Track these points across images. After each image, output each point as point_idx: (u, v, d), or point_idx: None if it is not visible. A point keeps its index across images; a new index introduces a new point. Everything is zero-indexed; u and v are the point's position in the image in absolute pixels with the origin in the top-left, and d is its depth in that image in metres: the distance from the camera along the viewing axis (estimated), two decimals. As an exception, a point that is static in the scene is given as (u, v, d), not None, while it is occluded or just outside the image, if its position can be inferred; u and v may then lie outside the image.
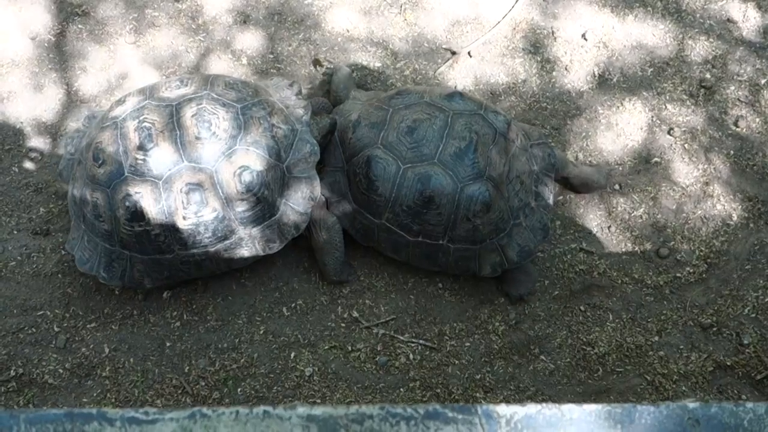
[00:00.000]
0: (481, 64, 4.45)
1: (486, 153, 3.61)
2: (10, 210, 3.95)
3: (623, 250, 4.13)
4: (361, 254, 4.01)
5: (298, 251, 3.98)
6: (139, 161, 3.34)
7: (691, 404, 1.51)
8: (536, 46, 4.51)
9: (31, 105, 4.17)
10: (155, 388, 3.69)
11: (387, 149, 3.62)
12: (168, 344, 3.77)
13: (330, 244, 3.79)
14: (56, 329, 3.75)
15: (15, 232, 3.91)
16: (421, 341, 3.87)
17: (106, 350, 3.73)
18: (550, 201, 3.91)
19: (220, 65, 4.32)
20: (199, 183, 3.36)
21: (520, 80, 4.43)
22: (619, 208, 4.20)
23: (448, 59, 4.44)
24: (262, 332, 3.83)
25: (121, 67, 4.28)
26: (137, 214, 3.36)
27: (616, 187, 4.23)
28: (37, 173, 3.99)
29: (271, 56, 4.37)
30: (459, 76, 4.42)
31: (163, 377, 3.70)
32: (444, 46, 4.47)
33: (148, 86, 3.62)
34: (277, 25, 4.43)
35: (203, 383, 3.71)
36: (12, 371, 3.65)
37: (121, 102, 3.55)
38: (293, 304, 3.90)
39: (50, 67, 4.26)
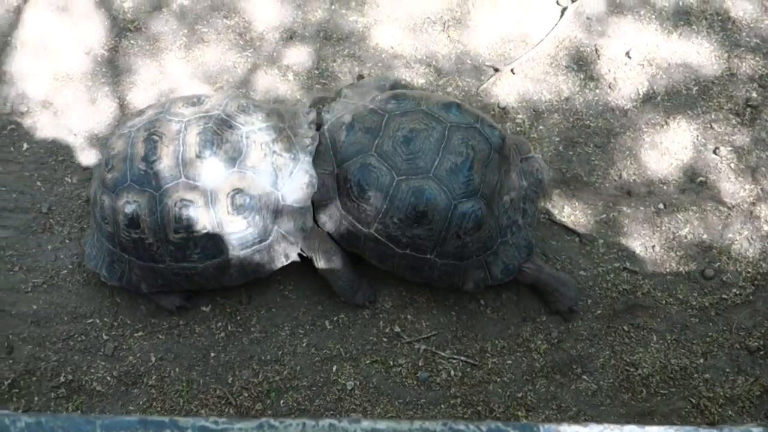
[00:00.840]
0: (524, 81, 4.46)
1: (481, 170, 3.54)
2: (62, 219, 4.04)
3: (668, 270, 4.09)
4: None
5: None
6: (141, 171, 3.45)
7: (755, 429, 1.49)
8: (580, 63, 4.50)
9: (85, 117, 4.27)
10: (200, 398, 3.73)
11: (381, 158, 3.53)
12: (212, 355, 3.81)
13: (331, 271, 3.77)
14: (105, 337, 3.82)
15: (67, 241, 4.00)
16: (462, 358, 3.87)
17: (153, 359, 3.78)
18: (536, 217, 3.87)
19: (266, 80, 4.38)
20: (193, 200, 3.43)
21: (563, 98, 4.43)
22: (664, 228, 4.16)
23: (492, 76, 4.45)
24: (304, 345, 3.86)
25: (170, 81, 4.37)
26: (134, 222, 3.48)
27: (661, 206, 4.20)
28: (89, 184, 4.08)
29: (317, 72, 4.42)
30: (502, 93, 4.42)
31: (208, 387, 3.75)
32: (487, 63, 4.49)
33: (168, 100, 3.73)
34: (323, 41, 4.49)
35: (246, 394, 3.74)
36: (62, 377, 3.72)
37: (140, 113, 3.69)
38: (336, 318, 3.92)
39: (103, 81, 4.36)
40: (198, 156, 3.43)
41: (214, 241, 3.52)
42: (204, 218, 3.46)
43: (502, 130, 3.76)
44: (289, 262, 3.69)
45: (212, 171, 3.44)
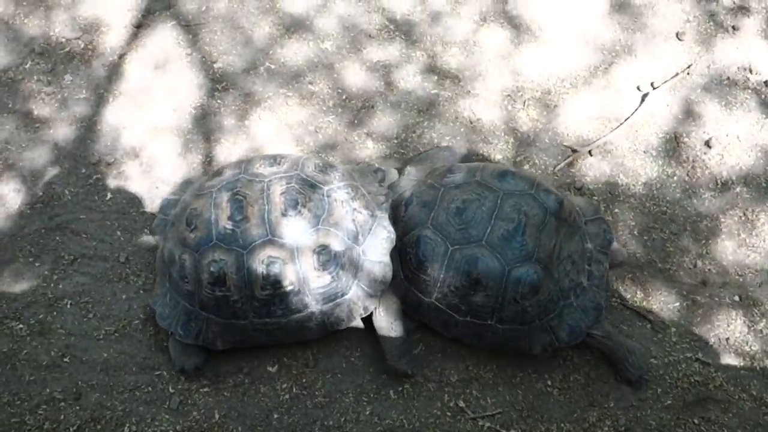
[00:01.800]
0: (600, 164, 4.46)
1: (535, 234, 3.58)
2: (138, 270, 4.12)
3: (741, 364, 3.99)
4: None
5: (409, 335, 3.98)
6: (228, 230, 3.52)
7: None
8: (658, 149, 4.50)
9: (169, 172, 4.38)
10: (260, 459, 3.70)
11: (436, 230, 3.65)
12: (276, 416, 3.80)
13: (388, 325, 3.81)
14: (171, 390, 3.84)
15: (141, 291, 4.07)
16: (527, 439, 3.78)
17: (217, 416, 3.78)
18: (604, 279, 3.83)
19: (346, 146, 4.47)
20: (280, 257, 3.50)
21: (640, 182, 4.42)
22: (738, 321, 4.07)
23: (569, 156, 4.47)
24: (368, 413, 3.82)
25: (254, 141, 4.48)
26: (220, 280, 3.53)
27: (736, 298, 4.12)
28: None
29: (396, 141, 4.50)
30: (578, 173, 4.43)
31: (269, 449, 3.72)
32: (565, 144, 4.51)
33: (243, 161, 3.83)
34: (404, 112, 4.58)
35: (307, 459, 3.70)
36: (126, 427, 3.74)
37: (218, 173, 3.78)
38: (400, 388, 3.89)
39: (189, 137, 4.50)
40: (284, 214, 3.51)
41: (300, 297, 3.59)
42: (291, 274, 3.53)
43: (560, 194, 3.78)
44: (367, 314, 3.76)
45: (298, 228, 3.53)
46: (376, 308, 3.82)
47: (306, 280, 3.57)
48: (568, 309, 3.72)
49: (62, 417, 3.73)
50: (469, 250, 3.58)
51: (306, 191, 3.58)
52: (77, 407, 3.76)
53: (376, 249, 3.72)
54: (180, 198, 3.96)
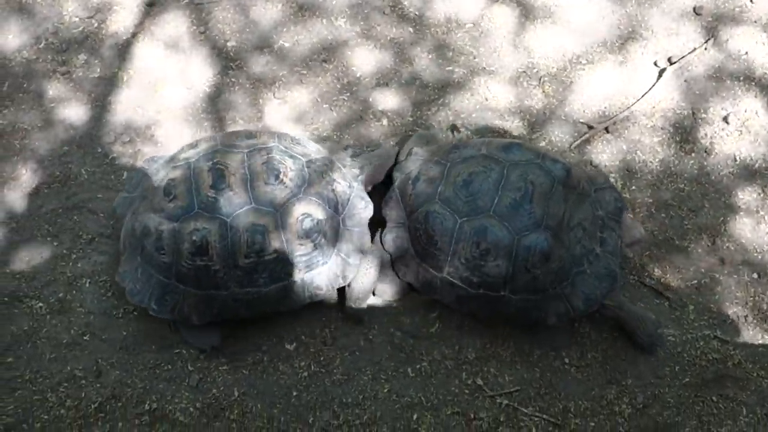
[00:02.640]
0: (618, 141, 4.43)
1: (543, 202, 3.58)
2: (156, 249, 4.10)
3: (760, 341, 3.97)
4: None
5: (425, 314, 3.98)
6: (210, 198, 3.53)
7: None
8: (676, 126, 4.46)
9: (184, 150, 4.35)
10: (280, 437, 3.72)
11: (444, 204, 3.66)
12: (294, 393, 3.80)
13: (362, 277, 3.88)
14: (190, 368, 3.85)
15: (159, 270, 4.05)
16: (544, 416, 3.79)
17: (236, 393, 3.79)
18: (618, 246, 3.81)
19: (361, 124, 4.45)
20: (264, 225, 3.53)
21: (657, 159, 4.38)
22: (758, 298, 4.05)
23: (585, 133, 4.43)
24: (386, 391, 3.82)
25: (267, 120, 4.47)
26: (202, 249, 3.52)
27: (755, 275, 4.10)
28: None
29: (411, 119, 4.47)
30: (595, 150, 4.40)
31: (288, 426, 3.73)
32: (581, 121, 4.47)
33: (217, 135, 3.87)
34: (419, 89, 4.54)
35: (326, 436, 3.72)
36: (147, 405, 3.75)
37: (192, 146, 3.78)
38: (418, 366, 3.89)
39: (203, 116, 4.48)
40: (266, 183, 3.57)
41: (283, 264, 3.62)
42: (275, 242, 3.57)
43: (567, 162, 3.76)
44: (346, 283, 3.82)
45: (281, 197, 3.57)
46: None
47: (290, 247, 3.60)
48: (581, 276, 3.71)
49: (83, 394, 3.75)
50: (477, 221, 3.59)
51: (286, 162, 3.64)
52: (98, 384, 3.78)
53: (355, 218, 3.82)
54: (145, 173, 3.92)
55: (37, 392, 3.75)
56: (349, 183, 3.85)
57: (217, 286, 3.63)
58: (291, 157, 3.66)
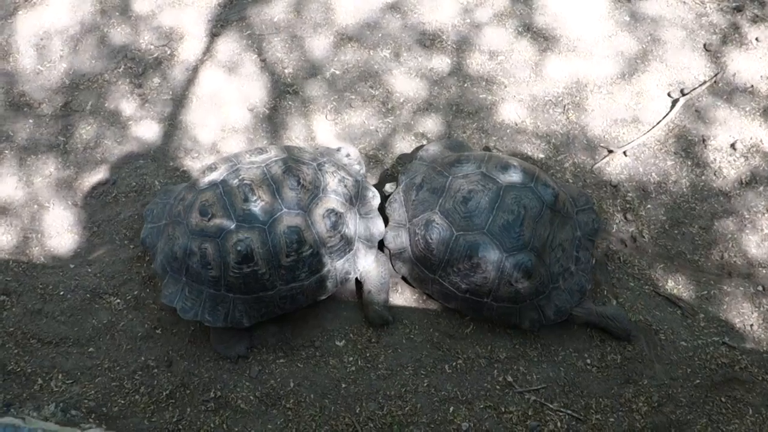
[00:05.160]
0: (635, 163, 4.45)
1: (532, 225, 3.67)
2: (220, 253, 4.16)
3: (765, 348, 3.96)
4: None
5: (460, 317, 4.01)
6: (246, 212, 3.60)
7: None
8: (687, 150, 4.47)
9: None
10: (330, 424, 3.76)
11: (444, 216, 3.75)
12: (343, 386, 3.85)
13: (378, 275, 3.94)
14: (250, 361, 3.89)
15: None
16: (568, 411, 3.81)
17: (291, 384, 3.84)
18: (590, 264, 3.92)
19: (403, 144, 4.50)
20: (297, 225, 3.63)
21: (671, 180, 4.40)
22: (762, 309, 4.05)
23: (605, 156, 4.46)
24: (425, 385, 3.86)
25: (320, 139, 4.51)
26: (248, 257, 3.59)
27: (760, 288, 4.10)
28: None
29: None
30: (614, 172, 4.42)
31: (338, 415, 3.77)
32: (602, 144, 4.50)
33: (230, 155, 3.89)
34: (455, 114, 4.59)
35: (372, 425, 3.75)
36: (212, 392, 3.80)
37: (212, 168, 3.80)
38: (454, 363, 3.92)
39: (262, 134, 4.55)
40: (291, 189, 3.67)
41: (318, 257, 3.72)
42: (309, 238, 3.67)
43: (556, 187, 3.84)
44: (369, 265, 3.90)
45: (305, 199, 3.69)
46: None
47: (322, 241, 3.71)
48: (556, 291, 3.82)
49: (156, 382, 3.81)
50: (471, 237, 3.68)
51: (302, 168, 3.74)
52: (169, 374, 3.84)
53: (367, 206, 3.95)
54: (165, 203, 3.94)
55: (114, 379, 3.81)
56: (354, 178, 3.94)
57: (265, 288, 3.69)
58: (303, 163, 3.77)
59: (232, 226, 3.58)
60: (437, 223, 3.76)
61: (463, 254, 3.70)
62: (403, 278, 4.02)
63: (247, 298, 3.71)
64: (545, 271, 3.74)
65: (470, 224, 3.70)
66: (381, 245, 4.04)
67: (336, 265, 3.80)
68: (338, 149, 4.16)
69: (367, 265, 3.92)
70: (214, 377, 3.85)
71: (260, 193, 3.62)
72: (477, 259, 3.68)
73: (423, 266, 3.87)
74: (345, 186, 3.85)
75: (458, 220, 3.72)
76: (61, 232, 4.25)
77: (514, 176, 3.78)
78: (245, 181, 3.62)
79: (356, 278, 3.97)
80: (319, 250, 3.72)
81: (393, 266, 3.99)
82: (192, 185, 3.81)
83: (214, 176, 3.73)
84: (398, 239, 3.95)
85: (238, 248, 3.56)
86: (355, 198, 3.90)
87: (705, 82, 4.66)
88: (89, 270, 4.11)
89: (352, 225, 3.85)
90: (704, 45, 4.79)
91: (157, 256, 3.85)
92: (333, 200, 3.76)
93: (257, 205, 3.61)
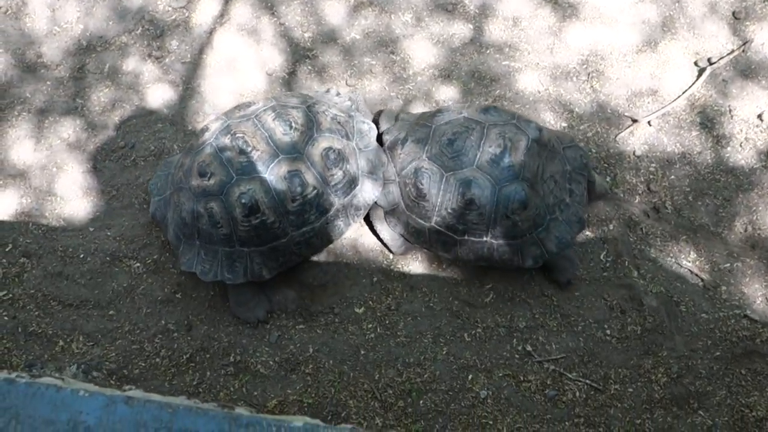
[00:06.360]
0: (658, 134, 4.35)
1: (520, 157, 3.63)
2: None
3: (786, 321, 3.90)
4: (536, 294, 3.95)
5: (480, 286, 3.96)
6: (244, 164, 3.53)
7: None
8: (713, 121, 4.37)
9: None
10: (349, 390, 3.74)
11: (431, 160, 3.71)
12: (362, 352, 3.82)
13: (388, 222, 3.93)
14: (270, 326, 3.87)
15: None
16: (587, 381, 3.78)
17: (310, 350, 3.81)
18: (584, 196, 3.89)
19: (423, 110, 4.39)
20: (297, 169, 3.57)
21: (695, 152, 4.30)
22: (785, 282, 3.98)
23: (629, 126, 4.36)
24: (444, 353, 3.83)
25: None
26: (254, 208, 3.54)
27: (783, 261, 4.02)
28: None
29: (469, 108, 4.40)
30: (638, 142, 4.32)
31: (357, 381, 3.75)
32: (626, 114, 4.40)
33: (220, 114, 3.83)
34: (476, 81, 4.49)
35: (390, 391, 3.73)
36: (231, 357, 3.78)
37: (205, 130, 3.73)
38: (474, 332, 3.89)
39: (282, 99, 4.44)
40: (285, 134, 3.60)
41: (324, 197, 3.68)
42: (311, 180, 3.62)
43: (537, 123, 3.82)
44: (377, 197, 3.86)
45: (301, 141, 3.62)
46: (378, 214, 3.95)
47: (325, 180, 3.66)
48: (554, 223, 3.79)
49: (176, 346, 3.79)
50: (462, 174, 3.64)
51: (291, 112, 3.67)
52: (189, 338, 3.82)
53: (365, 139, 3.87)
54: (167, 174, 3.92)
55: (135, 342, 3.80)
56: (347, 114, 3.88)
57: (277, 236, 3.65)
58: (292, 107, 3.69)
59: (233, 181, 3.52)
60: (426, 168, 3.72)
61: (455, 193, 3.66)
62: (401, 235, 3.94)
63: (263, 249, 3.66)
64: (540, 201, 3.71)
65: (459, 163, 3.66)
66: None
67: (344, 202, 3.76)
68: (327, 90, 4.12)
69: (374, 198, 3.87)
70: (234, 342, 3.82)
71: (254, 143, 3.55)
72: (470, 195, 3.64)
73: (418, 216, 3.80)
74: (338, 123, 3.78)
75: (446, 162, 3.69)
76: (80, 195, 4.20)
77: (495, 116, 3.77)
78: (237, 135, 3.56)
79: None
80: (324, 190, 3.67)
81: (388, 224, 3.95)
82: (188, 150, 3.76)
83: (207, 136, 3.67)
84: (390, 195, 3.89)
85: (243, 201, 3.51)
86: (351, 133, 3.83)
87: (733, 51, 4.53)
88: (108, 233, 4.07)
89: (353, 160, 3.79)
90: (733, 13, 4.64)
91: (168, 227, 3.82)
92: (329, 138, 3.69)
93: (254, 156, 3.55)
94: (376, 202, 3.94)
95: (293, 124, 3.63)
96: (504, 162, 3.64)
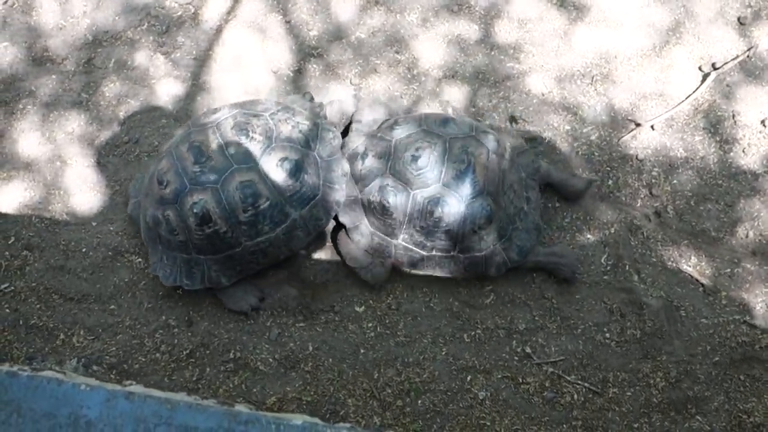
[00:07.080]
0: (662, 138, 4.33)
1: (483, 171, 3.65)
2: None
3: (786, 328, 3.89)
4: (536, 296, 3.95)
5: (480, 287, 3.96)
6: (197, 173, 3.53)
7: None
8: (716, 126, 4.35)
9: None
10: (348, 388, 3.74)
11: (396, 177, 3.68)
12: (362, 351, 3.82)
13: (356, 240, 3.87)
14: (270, 324, 3.87)
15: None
16: (586, 384, 3.78)
17: (310, 348, 3.82)
18: (539, 202, 3.94)
19: (428, 111, 4.37)
20: (250, 179, 3.54)
21: (698, 156, 4.28)
22: (785, 289, 3.97)
23: (632, 130, 4.34)
24: (443, 353, 3.83)
25: (344, 104, 4.39)
26: (205, 218, 3.54)
27: (783, 268, 4.00)
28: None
29: (473, 109, 4.41)
30: (641, 146, 4.31)
31: (356, 380, 3.75)
32: (629, 118, 4.38)
33: (188, 121, 3.86)
34: (481, 82, 4.47)
35: (389, 390, 3.74)
36: (231, 354, 3.79)
37: (170, 137, 3.79)
38: (473, 333, 3.89)
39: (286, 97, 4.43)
40: (240, 144, 3.57)
41: (278, 208, 3.63)
42: (264, 191, 3.58)
43: (495, 133, 3.84)
44: (338, 209, 3.80)
45: (257, 151, 3.59)
46: (349, 229, 3.87)
47: (279, 191, 3.61)
48: (515, 232, 3.82)
49: (176, 341, 3.80)
50: (428, 192, 3.63)
51: (251, 120, 3.64)
52: (189, 333, 3.82)
53: (328, 149, 3.80)
54: (141, 178, 4.00)
55: (135, 337, 3.80)
56: (312, 121, 3.82)
57: (231, 246, 3.65)
58: (254, 116, 3.65)
59: (186, 190, 3.53)
60: (391, 186, 3.69)
61: (423, 211, 3.65)
62: (365, 251, 3.87)
63: (218, 257, 3.67)
64: (503, 213, 3.74)
65: (424, 180, 3.65)
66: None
67: (302, 214, 3.71)
68: (304, 95, 4.12)
69: (336, 210, 3.82)
70: (234, 339, 3.83)
71: (209, 152, 3.55)
72: (439, 213, 3.63)
73: (384, 233, 3.79)
74: (300, 131, 3.72)
75: (412, 179, 3.67)
76: (83, 189, 4.20)
77: (455, 128, 3.77)
78: (194, 144, 3.57)
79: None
80: (278, 201, 3.63)
81: (352, 240, 3.88)
82: (157, 155, 3.79)
83: (169, 144, 3.71)
84: (352, 213, 3.85)
85: (195, 210, 3.52)
86: (314, 142, 3.78)
87: (738, 56, 4.51)
88: (111, 228, 4.07)
89: (313, 170, 3.73)
90: (738, 18, 4.62)
91: (141, 229, 3.87)
92: (287, 148, 3.64)
93: (207, 166, 3.55)
94: (338, 221, 3.90)
95: (250, 134, 3.61)
96: (468, 178, 3.65)
